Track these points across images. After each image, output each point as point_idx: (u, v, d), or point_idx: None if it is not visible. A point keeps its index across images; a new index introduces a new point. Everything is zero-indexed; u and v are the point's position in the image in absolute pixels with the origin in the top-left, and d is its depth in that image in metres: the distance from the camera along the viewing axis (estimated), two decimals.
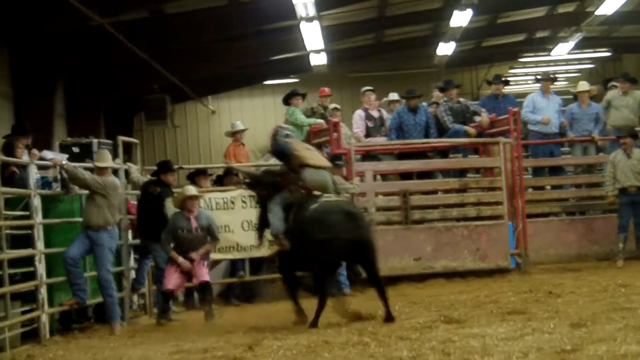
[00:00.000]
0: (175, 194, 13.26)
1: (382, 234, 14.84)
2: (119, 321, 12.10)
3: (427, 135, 16.72)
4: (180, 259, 12.70)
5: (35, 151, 12.03)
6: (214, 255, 14.08)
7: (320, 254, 10.84)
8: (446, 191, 16.53)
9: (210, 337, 10.70)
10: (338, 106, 18.03)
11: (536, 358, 7.67)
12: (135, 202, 13.93)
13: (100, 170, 12.16)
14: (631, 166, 15.80)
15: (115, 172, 13.40)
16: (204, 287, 12.88)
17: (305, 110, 17.52)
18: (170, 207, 13.16)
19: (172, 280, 12.81)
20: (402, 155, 16.68)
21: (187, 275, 12.88)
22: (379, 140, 16.84)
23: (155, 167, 14.13)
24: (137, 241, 13.79)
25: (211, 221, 13.09)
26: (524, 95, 18.74)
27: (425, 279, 15.15)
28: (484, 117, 17.03)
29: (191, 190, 13.13)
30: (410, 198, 15.62)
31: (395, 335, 9.51)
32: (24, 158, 11.92)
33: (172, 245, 12.80)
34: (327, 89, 18.13)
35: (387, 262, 14.80)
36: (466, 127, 16.88)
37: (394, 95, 17.87)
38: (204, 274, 12.83)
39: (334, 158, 14.98)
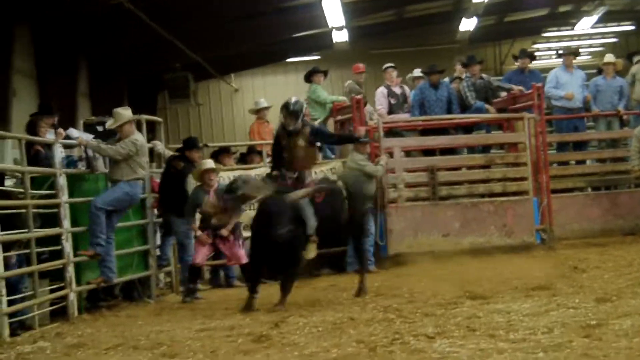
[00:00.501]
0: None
1: (410, 211, 14.93)
2: (95, 249, 11.91)
3: (449, 111, 16.66)
4: (199, 232, 12.77)
5: (60, 130, 12.06)
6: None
7: None
8: (470, 167, 16.50)
9: (236, 314, 10.76)
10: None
11: (561, 333, 7.69)
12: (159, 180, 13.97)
13: (122, 128, 12.14)
14: None
15: None
16: (244, 269, 12.98)
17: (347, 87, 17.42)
18: (192, 184, 13.21)
19: (201, 254, 12.90)
20: (425, 132, 16.65)
21: (214, 248, 12.97)
22: (403, 117, 16.82)
23: (179, 145, 14.18)
24: (161, 219, 13.85)
25: None
26: (547, 70, 18.64)
27: (450, 255, 15.15)
28: (515, 89, 17.03)
29: (209, 163, 13.18)
30: (437, 174, 15.60)
31: (420, 311, 9.56)
32: (49, 137, 11.98)
33: (194, 218, 12.88)
34: (361, 65, 18.03)
35: (417, 238, 14.90)
36: (487, 106, 16.86)
37: (417, 72, 17.82)
38: (241, 256, 12.92)
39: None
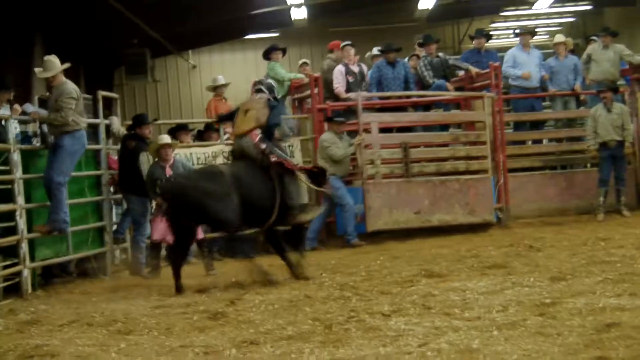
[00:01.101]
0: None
1: (387, 187, 15.01)
2: (54, 226, 11.82)
3: (406, 89, 16.71)
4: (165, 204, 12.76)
5: (17, 106, 11.94)
6: None
7: None
8: (439, 145, 16.57)
9: (192, 292, 10.73)
10: (307, 61, 18.00)
11: (516, 312, 7.75)
12: (116, 157, 13.89)
13: (55, 77, 11.86)
14: (611, 120, 15.85)
15: (95, 127, 13.41)
16: (200, 244, 12.96)
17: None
18: (144, 161, 13.13)
19: (159, 230, 12.84)
20: (382, 110, 16.64)
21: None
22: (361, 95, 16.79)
23: None
24: (119, 195, 13.77)
25: (187, 168, 13.07)
26: (506, 49, 18.73)
27: (409, 234, 15.18)
28: (472, 70, 17.10)
29: (165, 138, 13.11)
30: (410, 151, 15.61)
31: (376, 289, 9.59)
32: (4, 112, 11.84)
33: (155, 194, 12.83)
34: (338, 42, 18.04)
35: (392, 215, 14.96)
36: (447, 84, 16.92)
37: (375, 51, 17.81)
38: (198, 232, 12.89)
39: (334, 115, 15.11)
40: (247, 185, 11.08)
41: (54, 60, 11.93)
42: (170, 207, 11.17)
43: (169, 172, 12.70)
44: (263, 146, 11.33)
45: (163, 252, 13.20)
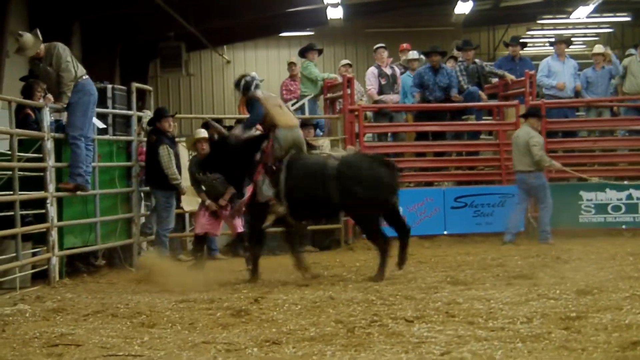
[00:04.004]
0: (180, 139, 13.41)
1: None
2: (75, 180, 11.83)
3: (447, 96, 16.60)
4: (208, 201, 12.93)
5: (50, 95, 12.00)
6: None
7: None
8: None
9: (217, 288, 10.77)
10: (349, 62, 17.95)
11: (540, 324, 7.70)
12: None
13: (40, 52, 11.77)
14: None
15: (128, 118, 13.48)
16: (240, 238, 13.23)
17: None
18: (164, 154, 13.16)
19: (200, 223, 12.95)
20: (419, 115, 16.68)
21: (218, 218, 13.03)
22: (392, 98, 16.77)
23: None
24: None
25: None
26: (541, 58, 18.65)
27: (432, 238, 15.16)
28: (508, 76, 17.11)
29: (202, 132, 13.20)
30: None
31: (400, 294, 9.56)
32: (39, 101, 11.93)
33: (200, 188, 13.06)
34: (405, 44, 18.10)
35: None
36: (480, 92, 16.87)
37: (414, 54, 17.66)
38: (238, 225, 13.12)
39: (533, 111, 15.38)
40: None
41: (28, 34, 11.76)
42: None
43: None
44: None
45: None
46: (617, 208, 16.16)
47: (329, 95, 17.08)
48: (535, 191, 14.94)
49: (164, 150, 13.18)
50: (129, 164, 13.50)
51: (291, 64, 17.79)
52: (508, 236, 14.90)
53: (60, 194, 11.74)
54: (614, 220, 16.06)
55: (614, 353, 6.50)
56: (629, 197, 16.16)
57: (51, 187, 11.44)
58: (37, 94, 12.07)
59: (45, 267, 11.39)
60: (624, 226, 15.94)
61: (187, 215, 15.10)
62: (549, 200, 14.92)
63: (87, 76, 12.01)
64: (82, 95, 11.85)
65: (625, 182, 16.29)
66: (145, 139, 13.89)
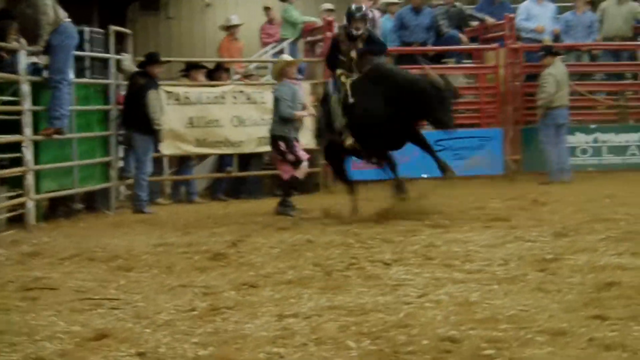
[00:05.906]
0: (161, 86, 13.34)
1: None
2: (53, 125, 11.75)
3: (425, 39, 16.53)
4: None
5: (23, 39, 11.83)
6: (203, 150, 14.25)
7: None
8: None
9: (195, 231, 10.75)
10: (332, 6, 17.79)
11: (517, 266, 7.74)
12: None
13: None
14: None
15: (106, 61, 13.37)
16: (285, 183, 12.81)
17: None
18: (153, 98, 13.11)
19: (286, 169, 12.52)
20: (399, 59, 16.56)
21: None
22: None
23: None
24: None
25: None
26: (520, 1, 18.52)
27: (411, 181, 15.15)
28: (488, 20, 17.08)
29: (288, 57, 13.17)
30: None
31: (379, 237, 9.57)
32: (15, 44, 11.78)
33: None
34: None
35: None
36: (460, 35, 16.77)
37: None
38: (286, 171, 12.57)
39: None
40: None
41: None
42: None
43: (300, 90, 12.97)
44: None
45: None
46: (584, 151, 16.27)
47: (308, 38, 16.96)
48: (563, 126, 15.28)
49: (154, 94, 13.14)
50: (107, 107, 13.39)
51: (267, 9, 17.65)
52: (557, 175, 15.20)
53: (36, 137, 11.63)
54: (583, 163, 16.14)
55: (589, 294, 6.54)
56: (595, 140, 16.27)
57: (27, 130, 11.33)
58: (10, 36, 11.89)
59: (22, 211, 11.32)
60: (590, 169, 16.02)
61: (165, 160, 14.97)
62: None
63: (69, 19, 11.86)
64: (65, 38, 11.71)
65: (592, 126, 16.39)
66: (124, 82, 13.79)
